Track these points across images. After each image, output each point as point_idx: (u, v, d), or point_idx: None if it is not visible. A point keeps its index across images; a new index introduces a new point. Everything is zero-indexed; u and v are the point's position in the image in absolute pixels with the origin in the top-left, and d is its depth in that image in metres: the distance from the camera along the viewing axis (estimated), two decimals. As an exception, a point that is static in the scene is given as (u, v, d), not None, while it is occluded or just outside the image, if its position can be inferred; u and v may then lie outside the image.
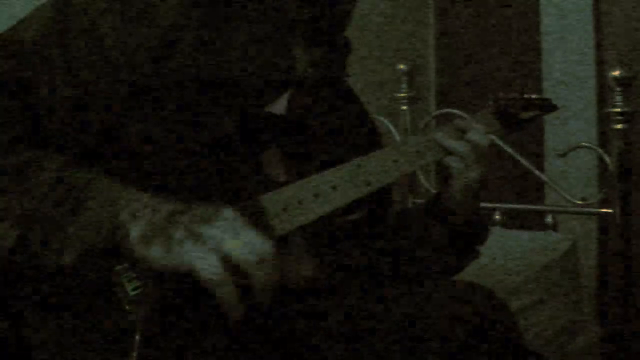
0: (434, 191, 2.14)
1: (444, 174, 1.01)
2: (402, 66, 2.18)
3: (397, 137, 2.17)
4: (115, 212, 0.71)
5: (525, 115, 1.11)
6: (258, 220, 0.78)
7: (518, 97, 1.11)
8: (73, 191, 0.71)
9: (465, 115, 1.99)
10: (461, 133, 0.99)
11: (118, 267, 0.73)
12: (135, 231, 0.70)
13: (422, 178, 2.17)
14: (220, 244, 0.69)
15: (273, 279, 0.71)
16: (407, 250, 1.02)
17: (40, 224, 0.70)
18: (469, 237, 1.03)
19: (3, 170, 0.72)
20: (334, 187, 0.84)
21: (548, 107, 1.16)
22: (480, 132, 0.99)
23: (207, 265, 0.68)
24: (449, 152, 0.97)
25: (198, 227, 0.69)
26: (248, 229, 0.71)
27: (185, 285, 0.73)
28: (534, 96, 1.14)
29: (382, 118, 2.15)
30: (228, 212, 0.71)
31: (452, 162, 0.97)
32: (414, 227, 1.03)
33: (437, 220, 1.01)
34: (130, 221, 0.70)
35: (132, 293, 0.72)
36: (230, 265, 0.69)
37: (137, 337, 0.70)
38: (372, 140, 1.04)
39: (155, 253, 0.70)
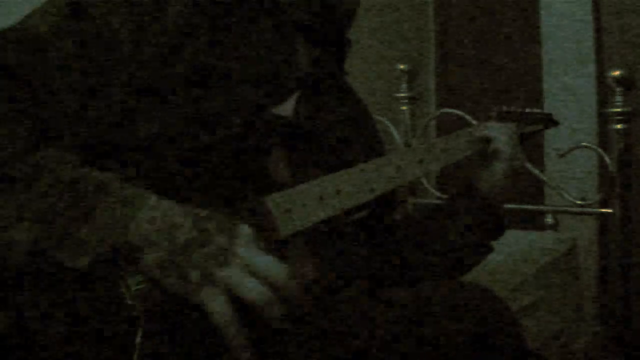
0: (434, 192, 2.14)
1: (481, 161, 1.06)
2: (402, 66, 2.18)
3: (397, 137, 2.17)
4: (124, 224, 0.71)
5: (526, 129, 1.13)
6: (263, 221, 0.78)
7: (520, 111, 1.14)
8: (85, 195, 0.71)
9: (465, 115, 2.00)
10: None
11: (122, 262, 0.74)
12: (150, 258, 0.71)
13: (423, 179, 2.17)
14: (234, 288, 0.71)
15: (290, 307, 0.73)
16: (416, 250, 1.03)
17: (54, 227, 0.70)
18: (492, 228, 1.07)
19: (17, 173, 0.72)
20: (338, 191, 0.84)
21: (549, 122, 1.19)
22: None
23: (218, 309, 0.70)
24: (457, 157, 1.02)
25: (213, 269, 0.71)
26: (263, 257, 0.72)
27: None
28: (536, 110, 1.17)
29: (382, 118, 2.15)
30: (242, 243, 0.72)
31: (499, 144, 1.05)
32: (431, 224, 1.06)
33: (472, 207, 1.05)
34: (144, 245, 0.71)
35: (135, 288, 0.73)
36: (243, 304, 0.71)
37: (139, 332, 0.70)
38: (376, 142, 1.05)
39: (169, 282, 0.71)
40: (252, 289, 0.70)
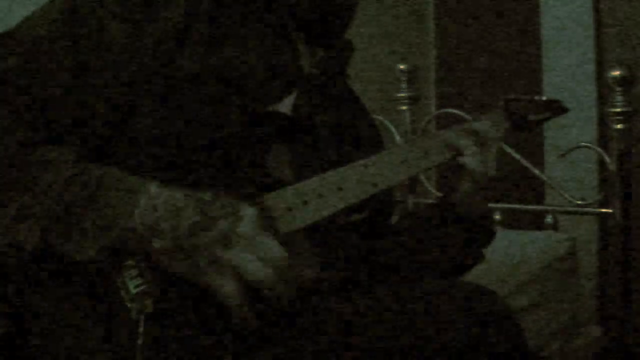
0: (434, 191, 2.14)
1: (453, 173, 1.01)
2: (402, 66, 2.18)
3: (397, 137, 2.17)
4: (128, 213, 0.72)
5: (535, 117, 1.11)
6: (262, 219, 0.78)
7: (529, 98, 1.12)
8: (86, 187, 0.72)
9: (465, 115, 2.00)
10: (471, 133, 1.00)
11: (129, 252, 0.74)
12: (157, 244, 0.72)
13: (423, 178, 2.17)
14: (240, 270, 0.73)
15: (289, 289, 0.74)
16: (412, 251, 1.02)
17: (59, 221, 0.71)
18: (475, 238, 1.03)
19: (19, 170, 0.72)
20: (339, 188, 0.84)
21: (558, 109, 1.16)
22: (491, 128, 1.01)
23: (226, 289, 0.72)
24: (457, 153, 0.98)
25: (219, 252, 0.72)
26: (266, 240, 0.74)
27: (188, 283, 0.74)
28: (544, 98, 1.15)
29: (382, 118, 2.15)
30: (246, 225, 0.73)
31: (467, 160, 0.97)
32: (423, 227, 1.04)
33: (448, 220, 1.01)
34: (150, 233, 0.72)
35: (134, 290, 0.73)
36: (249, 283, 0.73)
37: (140, 334, 0.70)
38: (375, 140, 1.05)
39: (177, 266, 0.73)
40: (256, 270, 0.72)
